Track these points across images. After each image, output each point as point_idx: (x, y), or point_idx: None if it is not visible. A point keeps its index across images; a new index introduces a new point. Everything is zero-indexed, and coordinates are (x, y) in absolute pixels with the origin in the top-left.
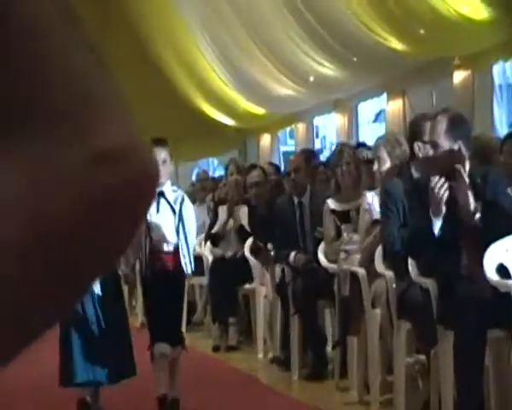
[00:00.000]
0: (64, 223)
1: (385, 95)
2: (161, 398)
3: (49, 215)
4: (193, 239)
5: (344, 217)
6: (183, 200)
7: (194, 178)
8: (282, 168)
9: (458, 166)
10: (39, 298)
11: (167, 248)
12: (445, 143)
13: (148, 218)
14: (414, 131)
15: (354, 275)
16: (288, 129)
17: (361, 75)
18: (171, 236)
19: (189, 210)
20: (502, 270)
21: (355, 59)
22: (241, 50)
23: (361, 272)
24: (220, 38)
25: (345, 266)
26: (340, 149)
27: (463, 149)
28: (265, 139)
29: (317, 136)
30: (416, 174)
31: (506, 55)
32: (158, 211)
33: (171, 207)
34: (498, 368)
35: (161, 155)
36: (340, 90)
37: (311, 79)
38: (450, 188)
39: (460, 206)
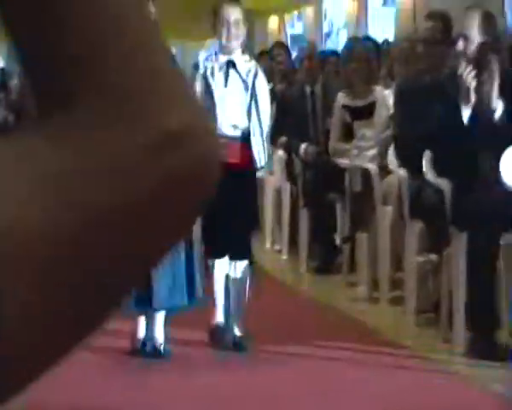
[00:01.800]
0: (123, 208)
1: None
2: (215, 329)
3: (105, 201)
4: (267, 123)
5: (356, 113)
6: (256, 73)
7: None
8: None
9: (489, 56)
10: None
11: (235, 132)
12: (477, 38)
13: (214, 91)
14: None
15: (366, 171)
16: (296, 12)
17: None
18: (240, 117)
19: (264, 86)
20: None
21: None
22: None
23: (373, 168)
24: None
25: (357, 162)
26: (352, 44)
27: (494, 44)
28: (273, 22)
29: (325, 19)
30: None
31: None
32: (226, 84)
33: (243, 80)
34: (510, 270)
35: (233, 14)
36: None
37: None
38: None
39: (482, 98)
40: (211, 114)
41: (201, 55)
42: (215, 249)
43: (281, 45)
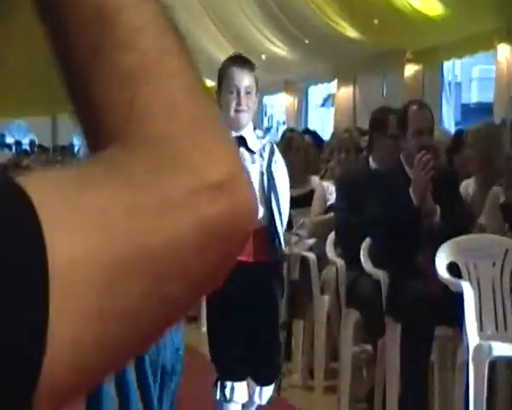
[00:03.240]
0: (167, 253)
1: (335, 80)
2: None
3: (152, 245)
4: (287, 211)
5: (294, 201)
6: (272, 151)
7: None
8: None
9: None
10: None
11: None
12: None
13: None
14: (378, 122)
15: (304, 259)
16: None
17: (312, 58)
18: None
19: (282, 167)
20: (453, 268)
21: (307, 41)
22: (193, 20)
23: (311, 256)
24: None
25: (295, 250)
26: (290, 135)
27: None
28: None
29: (265, 114)
30: (373, 164)
31: (457, 54)
32: None
33: (257, 161)
34: (443, 365)
35: (244, 80)
36: (291, 72)
37: (263, 57)
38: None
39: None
40: None
41: None
42: (233, 368)
43: None
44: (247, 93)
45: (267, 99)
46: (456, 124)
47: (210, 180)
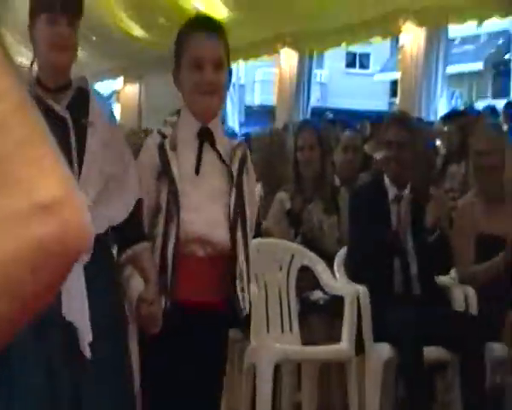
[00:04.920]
0: None
1: (121, 77)
2: None
3: None
4: (252, 237)
5: None
6: (244, 158)
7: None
8: None
9: None
10: None
11: (207, 251)
12: None
13: (176, 178)
14: None
15: None
16: None
17: (99, 56)
18: (218, 225)
19: (252, 180)
20: None
21: (94, 38)
22: None
23: None
24: None
25: None
26: None
27: None
28: None
29: None
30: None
31: (242, 57)
32: (198, 171)
33: (224, 165)
34: (231, 367)
35: (211, 51)
36: (76, 68)
37: None
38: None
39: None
40: (174, 224)
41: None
42: None
43: None
44: (216, 68)
45: None
46: (241, 125)
47: (39, 201)
